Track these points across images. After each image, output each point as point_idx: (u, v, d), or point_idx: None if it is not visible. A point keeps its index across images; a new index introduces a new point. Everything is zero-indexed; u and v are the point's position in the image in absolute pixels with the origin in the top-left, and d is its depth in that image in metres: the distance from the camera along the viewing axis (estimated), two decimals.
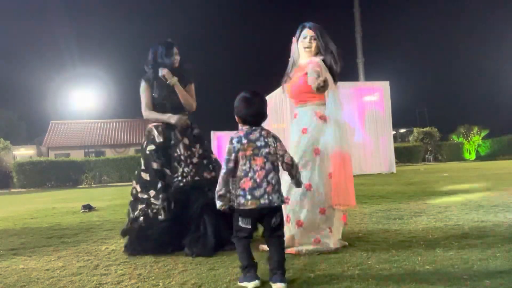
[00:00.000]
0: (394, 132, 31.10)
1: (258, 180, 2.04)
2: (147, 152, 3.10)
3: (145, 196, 2.99)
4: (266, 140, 2.10)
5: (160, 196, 2.94)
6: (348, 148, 2.73)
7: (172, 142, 3.08)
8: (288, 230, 2.62)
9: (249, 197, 2.03)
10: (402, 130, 37.59)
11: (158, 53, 3.16)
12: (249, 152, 2.07)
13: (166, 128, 3.12)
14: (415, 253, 2.43)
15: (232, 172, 2.08)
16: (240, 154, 2.08)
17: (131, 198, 3.10)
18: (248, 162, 2.07)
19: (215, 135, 23.21)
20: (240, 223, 2.09)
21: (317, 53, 2.81)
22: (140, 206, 2.99)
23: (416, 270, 2.09)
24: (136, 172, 3.17)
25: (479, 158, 29.31)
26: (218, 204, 2.08)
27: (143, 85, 3.20)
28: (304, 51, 2.84)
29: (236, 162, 2.08)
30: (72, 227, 4.54)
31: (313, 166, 2.67)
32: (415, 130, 29.28)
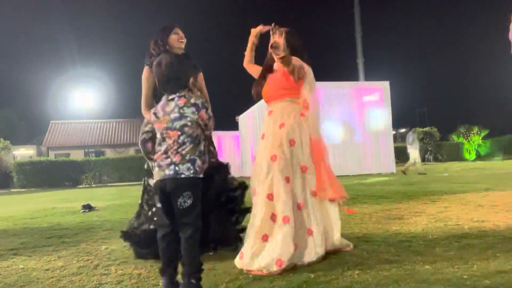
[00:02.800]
0: (394, 132, 31.09)
1: (169, 152, 1.83)
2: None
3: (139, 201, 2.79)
4: (182, 111, 1.87)
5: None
6: (321, 135, 2.66)
7: None
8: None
9: (156, 168, 1.83)
10: (402, 130, 37.60)
11: (159, 37, 2.86)
12: (163, 125, 1.88)
13: None
14: (415, 253, 2.43)
15: (145, 143, 1.92)
16: (156, 126, 1.91)
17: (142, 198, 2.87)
18: (161, 135, 1.89)
19: (214, 135, 23.19)
20: (156, 202, 1.86)
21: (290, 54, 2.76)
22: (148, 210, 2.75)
23: (416, 270, 2.09)
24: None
25: (479, 158, 29.30)
26: (151, 181, 1.89)
27: (145, 71, 2.84)
28: (271, 51, 2.69)
29: (153, 134, 1.90)
30: (72, 227, 4.54)
31: (290, 158, 2.51)
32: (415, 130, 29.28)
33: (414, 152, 12.65)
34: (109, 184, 21.32)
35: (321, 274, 2.11)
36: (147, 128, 1.93)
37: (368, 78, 30.08)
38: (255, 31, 2.85)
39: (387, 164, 14.08)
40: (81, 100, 36.97)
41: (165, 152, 1.84)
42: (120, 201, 8.07)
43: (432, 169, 13.85)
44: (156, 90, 2.83)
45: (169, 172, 1.78)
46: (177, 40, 2.87)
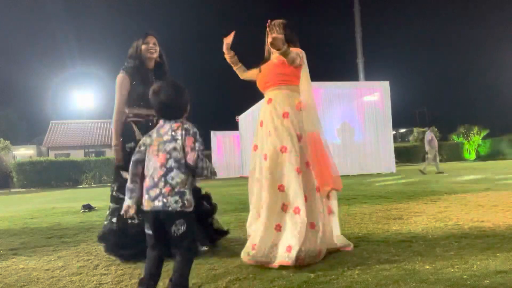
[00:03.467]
0: (394, 132, 31.10)
1: (155, 178, 1.80)
2: (127, 149, 2.85)
3: (121, 197, 2.73)
4: (174, 133, 1.85)
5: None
6: (317, 128, 2.67)
7: None
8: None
9: (146, 196, 1.81)
10: (402, 130, 37.62)
11: (136, 44, 2.94)
12: (154, 147, 1.85)
13: (146, 125, 2.86)
14: (415, 253, 2.43)
15: (137, 164, 1.87)
16: (149, 149, 1.88)
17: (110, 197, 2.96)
18: (152, 158, 1.85)
19: (214, 135, 23.22)
20: (145, 227, 1.86)
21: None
22: (113, 206, 2.88)
23: (416, 270, 2.09)
24: (113, 170, 2.99)
25: (479, 158, 29.30)
26: (126, 201, 1.84)
27: (121, 76, 2.89)
28: (271, 47, 2.69)
29: (143, 158, 1.87)
30: (72, 227, 4.54)
31: (299, 151, 2.52)
32: (415, 130, 29.30)
33: (431, 151, 12.71)
34: (109, 184, 21.32)
35: (321, 274, 2.11)
36: (142, 149, 1.91)
37: (368, 78, 30.05)
38: (225, 45, 2.84)
39: (387, 164, 14.08)
40: (81, 100, 36.98)
41: (152, 178, 1.81)
42: None
43: (432, 169, 13.83)
44: (130, 96, 2.92)
45: (157, 203, 1.77)
46: (147, 50, 2.93)
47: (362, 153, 14.09)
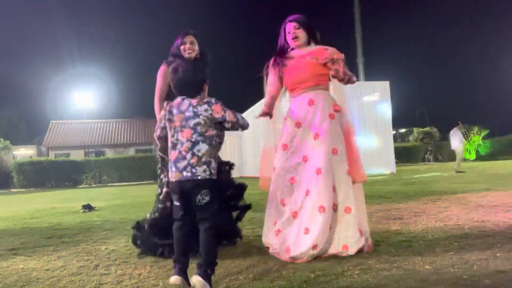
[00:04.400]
0: (394, 132, 31.07)
1: (183, 152, 1.91)
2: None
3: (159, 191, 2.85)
4: (195, 109, 1.95)
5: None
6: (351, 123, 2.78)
7: None
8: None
9: (173, 168, 1.92)
10: (402, 130, 37.59)
11: (176, 43, 2.96)
12: (177, 124, 1.96)
13: None
14: (415, 253, 2.43)
15: (161, 139, 2.00)
16: (170, 125, 1.97)
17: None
18: (176, 134, 1.96)
19: None
20: (173, 201, 1.97)
21: (309, 41, 2.79)
22: (166, 189, 2.77)
23: (416, 270, 2.09)
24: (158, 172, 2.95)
25: (479, 158, 29.30)
26: (162, 175, 2.02)
27: (162, 67, 2.96)
28: (294, 45, 2.78)
29: (166, 130, 1.98)
30: (72, 227, 4.54)
31: (345, 154, 2.65)
32: (415, 130, 29.27)
33: (459, 148, 12.65)
34: (109, 184, 21.32)
35: (321, 274, 2.11)
36: (162, 125, 2.00)
37: (368, 78, 30.00)
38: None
39: (387, 164, 14.07)
40: (81, 100, 36.95)
41: (180, 151, 1.91)
42: (120, 201, 8.07)
43: (432, 169, 13.82)
44: (169, 88, 2.88)
45: (186, 173, 1.88)
46: (184, 50, 2.93)
47: (362, 153, 14.02)
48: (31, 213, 6.47)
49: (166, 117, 1.99)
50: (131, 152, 30.52)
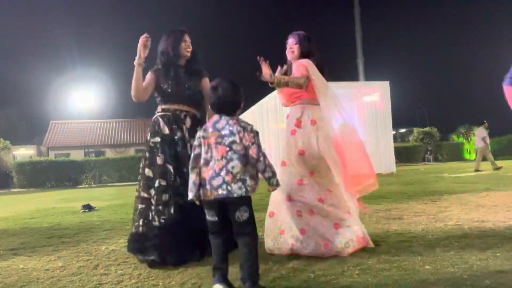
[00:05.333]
0: (394, 132, 31.07)
1: (217, 169, 1.91)
2: (151, 144, 2.76)
3: (146, 196, 2.70)
4: (231, 128, 1.96)
5: (157, 197, 2.66)
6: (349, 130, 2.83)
7: (178, 136, 2.77)
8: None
9: (208, 187, 1.93)
10: (402, 130, 37.58)
11: (170, 43, 2.87)
12: (212, 140, 1.97)
13: (174, 119, 2.79)
14: (415, 253, 2.43)
15: (197, 158, 1.99)
16: (204, 141, 1.98)
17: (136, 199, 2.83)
18: (210, 151, 1.96)
19: None
20: (207, 216, 1.99)
21: (303, 57, 2.89)
22: (140, 206, 2.71)
23: (416, 270, 2.09)
24: (140, 167, 2.85)
25: None
26: (190, 195, 1.97)
27: (149, 74, 2.87)
28: (290, 58, 2.97)
29: (200, 152, 1.99)
30: (72, 227, 4.54)
31: (299, 164, 2.73)
32: (415, 130, 29.26)
33: (484, 148, 12.58)
34: (109, 184, 21.32)
35: (321, 274, 2.11)
36: (197, 143, 2.01)
37: (368, 78, 29.95)
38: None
39: (387, 164, 14.07)
40: (81, 100, 36.95)
41: (213, 168, 1.93)
42: (120, 201, 8.07)
43: (432, 169, 13.82)
44: (159, 93, 2.86)
45: (222, 191, 1.89)
46: (185, 48, 2.89)
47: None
48: (31, 213, 6.47)
49: (201, 135, 2.01)
50: (131, 152, 30.51)
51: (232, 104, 2.04)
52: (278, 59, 3.07)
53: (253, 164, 1.95)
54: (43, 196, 12.43)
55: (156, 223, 2.62)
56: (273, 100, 13.94)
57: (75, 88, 38.60)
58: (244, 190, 1.90)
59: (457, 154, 29.80)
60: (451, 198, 5.11)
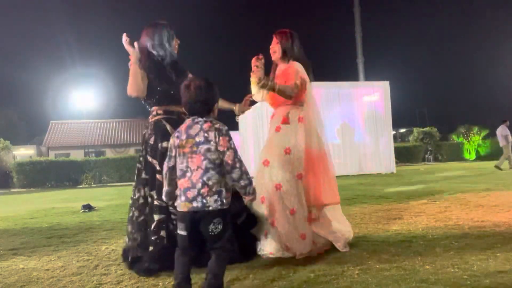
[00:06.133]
0: (394, 132, 31.06)
1: (194, 180, 1.83)
2: (162, 150, 2.52)
3: (164, 205, 2.43)
4: (206, 134, 1.86)
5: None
6: (320, 146, 2.74)
7: None
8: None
9: (183, 198, 1.83)
10: (402, 130, 37.58)
11: (164, 37, 2.69)
12: (187, 150, 1.87)
13: (181, 121, 2.45)
14: (415, 253, 2.43)
15: (173, 170, 1.90)
16: (179, 151, 1.89)
17: (132, 209, 2.61)
18: (185, 160, 1.86)
19: None
20: (178, 229, 1.88)
21: (284, 57, 2.82)
22: (158, 217, 2.44)
23: (416, 270, 2.09)
24: (136, 175, 2.74)
25: (479, 158, 29.29)
26: (165, 199, 1.95)
27: (135, 68, 2.62)
28: (273, 58, 2.89)
29: (175, 163, 1.90)
30: (72, 227, 4.54)
31: (283, 165, 2.60)
32: (415, 130, 29.26)
33: (507, 146, 12.53)
34: (109, 184, 21.32)
35: (321, 274, 2.11)
36: (173, 154, 1.92)
37: (368, 78, 29.98)
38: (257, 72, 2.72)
39: (387, 164, 14.07)
40: (81, 100, 36.97)
41: (190, 179, 1.84)
42: (120, 201, 8.06)
43: (432, 169, 13.83)
44: (153, 92, 2.65)
45: (196, 204, 1.81)
46: (176, 47, 2.79)
47: (362, 153, 14.07)
48: (31, 213, 6.47)
49: (176, 143, 1.91)
50: (131, 152, 30.52)
51: (204, 104, 1.93)
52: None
53: (228, 171, 1.85)
54: (43, 196, 12.43)
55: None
56: None
57: (75, 88, 38.60)
58: (219, 203, 1.82)
59: (457, 154, 29.81)
60: (451, 198, 5.11)
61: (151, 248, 2.43)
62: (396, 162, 15.13)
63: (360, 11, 31.49)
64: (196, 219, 1.82)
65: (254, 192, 1.93)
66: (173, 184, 1.92)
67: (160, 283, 2.15)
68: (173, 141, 1.94)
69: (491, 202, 4.49)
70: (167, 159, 1.95)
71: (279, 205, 2.53)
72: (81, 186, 21.38)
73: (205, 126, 1.89)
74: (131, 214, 2.63)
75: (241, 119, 21.85)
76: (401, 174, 12.26)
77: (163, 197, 1.94)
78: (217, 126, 1.90)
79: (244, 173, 1.88)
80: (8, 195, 15.02)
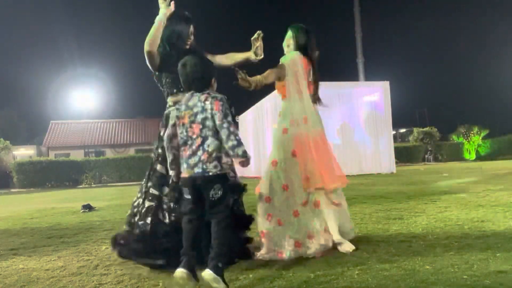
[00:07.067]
0: (394, 132, 31.06)
1: (194, 148, 1.93)
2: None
3: (157, 193, 2.49)
4: (203, 104, 1.95)
5: (170, 194, 2.42)
6: (316, 128, 2.77)
7: None
8: (267, 226, 2.61)
9: (185, 165, 1.95)
10: (402, 130, 37.59)
11: (175, 31, 2.66)
12: (186, 120, 1.97)
13: None
14: (415, 253, 2.43)
15: (172, 138, 2.00)
16: (179, 122, 1.99)
17: (137, 195, 2.62)
18: (185, 130, 1.96)
19: None
20: (184, 194, 1.99)
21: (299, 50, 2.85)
22: (148, 204, 2.48)
23: (416, 270, 2.09)
24: (150, 164, 2.67)
25: (479, 158, 29.30)
26: (171, 172, 2.01)
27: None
28: (285, 51, 2.92)
29: (176, 131, 2.00)
30: (72, 227, 4.54)
31: (291, 167, 2.64)
32: (415, 130, 29.27)
33: None
34: (109, 184, 21.32)
35: (321, 274, 2.11)
36: (173, 122, 1.99)
37: (368, 78, 29.99)
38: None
39: (387, 164, 14.07)
40: (81, 100, 36.96)
41: (191, 147, 1.93)
42: (120, 201, 8.07)
43: (432, 169, 13.83)
44: (167, 80, 2.64)
45: (197, 170, 1.90)
46: (187, 42, 2.72)
47: (362, 153, 14.07)
48: (31, 213, 6.47)
49: (176, 114, 2.01)
50: (131, 152, 30.52)
51: (201, 81, 2.02)
52: (280, 56, 3.06)
53: (218, 132, 1.92)
54: (43, 196, 12.44)
55: (167, 221, 2.43)
56: (273, 100, 13.94)
57: (75, 88, 38.60)
58: (219, 168, 1.91)
59: (457, 154, 29.83)
60: (451, 198, 5.11)
61: (136, 231, 2.47)
62: (396, 162, 15.13)
63: (360, 11, 31.49)
64: (197, 184, 1.92)
65: (244, 154, 1.91)
66: (172, 152, 1.99)
67: (160, 283, 2.15)
68: (173, 113, 2.03)
69: (491, 202, 4.49)
70: (167, 129, 2.03)
71: (284, 205, 2.59)
72: (81, 186, 21.39)
73: (202, 97, 1.98)
74: (134, 199, 2.66)
75: (241, 119, 21.89)
76: (401, 174, 12.26)
77: (169, 170, 2.01)
78: (213, 95, 1.98)
79: (232, 133, 1.91)
80: (8, 195, 15.02)
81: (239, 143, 1.91)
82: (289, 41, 2.88)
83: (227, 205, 1.98)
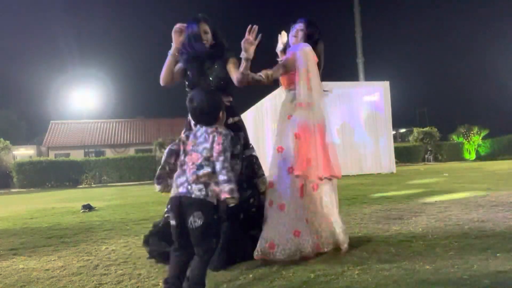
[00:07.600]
0: (394, 132, 31.07)
1: (187, 171, 1.89)
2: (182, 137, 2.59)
3: None
4: (207, 136, 1.96)
5: None
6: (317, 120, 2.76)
7: None
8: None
9: (174, 184, 1.90)
10: (402, 130, 37.60)
11: (188, 35, 2.67)
12: (189, 147, 1.97)
13: None
14: (415, 253, 2.43)
15: (171, 153, 1.98)
16: (182, 146, 1.99)
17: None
18: (184, 155, 1.96)
19: None
20: (170, 219, 1.91)
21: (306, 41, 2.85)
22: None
23: (416, 270, 2.09)
24: (171, 161, 2.79)
25: (479, 158, 29.31)
26: (156, 187, 1.94)
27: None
28: (292, 42, 2.91)
29: (179, 150, 1.98)
30: (72, 227, 4.54)
31: (295, 148, 2.62)
32: (415, 130, 29.27)
33: None
34: (109, 184, 21.32)
35: (321, 274, 2.11)
36: (178, 142, 2.05)
37: (368, 78, 29.99)
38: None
39: (387, 164, 14.07)
40: (81, 100, 36.97)
41: (184, 170, 1.91)
42: (120, 201, 8.07)
43: (432, 169, 13.83)
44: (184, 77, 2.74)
45: (182, 190, 1.83)
46: (205, 39, 2.68)
47: (362, 153, 14.07)
48: (31, 213, 6.47)
49: (182, 140, 2.03)
50: (131, 152, 30.53)
51: (209, 116, 2.02)
52: (276, 57, 3.06)
53: (214, 163, 1.87)
54: (43, 196, 12.44)
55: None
56: (273, 100, 13.94)
57: (75, 88, 38.61)
58: (204, 192, 1.80)
59: (457, 154, 29.83)
60: (451, 198, 5.11)
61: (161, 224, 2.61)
62: (396, 162, 15.13)
63: (360, 11, 31.50)
64: (182, 208, 1.82)
65: (232, 192, 1.83)
66: (165, 167, 1.97)
67: (160, 283, 2.15)
68: (182, 136, 2.05)
69: (491, 202, 4.49)
70: (171, 144, 2.05)
71: (287, 191, 2.54)
72: (81, 186, 21.39)
73: (209, 130, 1.99)
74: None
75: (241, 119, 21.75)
76: (401, 174, 12.26)
77: (154, 180, 1.99)
78: (219, 130, 1.98)
79: (224, 168, 1.84)
80: (8, 195, 15.02)
81: (229, 181, 1.83)
82: (297, 32, 2.87)
83: (207, 238, 1.82)
